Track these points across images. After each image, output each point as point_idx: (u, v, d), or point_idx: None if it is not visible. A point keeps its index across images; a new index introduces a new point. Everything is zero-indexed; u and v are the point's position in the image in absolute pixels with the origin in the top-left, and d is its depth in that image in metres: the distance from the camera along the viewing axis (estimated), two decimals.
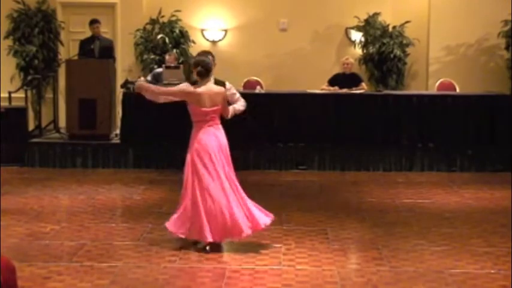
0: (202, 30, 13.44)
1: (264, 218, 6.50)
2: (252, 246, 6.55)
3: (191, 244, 6.47)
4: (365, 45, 12.99)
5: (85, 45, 11.60)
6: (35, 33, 12.67)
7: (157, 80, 11.25)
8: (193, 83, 6.54)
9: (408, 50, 12.96)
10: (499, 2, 12.66)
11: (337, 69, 12.32)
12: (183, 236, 6.44)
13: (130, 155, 10.85)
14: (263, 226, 6.49)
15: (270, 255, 6.29)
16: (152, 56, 12.70)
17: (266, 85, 12.41)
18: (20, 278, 4.48)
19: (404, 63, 12.98)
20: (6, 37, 12.69)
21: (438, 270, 5.91)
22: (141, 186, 9.50)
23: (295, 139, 10.86)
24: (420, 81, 13.25)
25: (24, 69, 12.65)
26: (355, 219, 7.71)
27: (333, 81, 11.57)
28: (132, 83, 11.10)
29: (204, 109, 6.44)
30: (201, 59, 6.64)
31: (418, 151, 10.85)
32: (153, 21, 12.98)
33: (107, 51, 11.61)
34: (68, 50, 13.13)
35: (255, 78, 12.70)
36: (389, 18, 13.07)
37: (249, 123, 10.07)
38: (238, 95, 7.12)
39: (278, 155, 10.86)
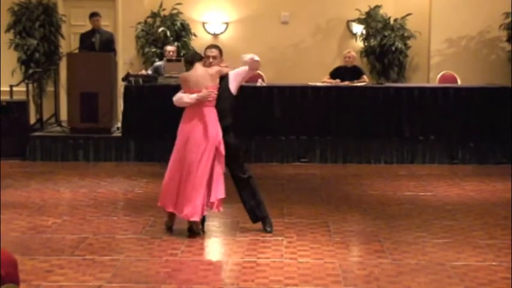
0: (203, 23, 13.42)
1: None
2: (254, 239, 6.57)
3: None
4: (366, 38, 12.96)
5: (85, 39, 11.57)
6: (36, 26, 12.65)
7: (157, 73, 11.25)
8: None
9: (410, 42, 12.94)
10: None
11: (338, 62, 12.30)
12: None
13: (132, 148, 10.85)
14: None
15: (271, 248, 6.30)
16: (153, 49, 12.68)
17: (268, 78, 12.37)
18: (21, 272, 4.49)
19: (406, 56, 12.96)
20: (7, 30, 12.67)
21: (440, 262, 5.92)
22: (143, 179, 9.50)
23: (297, 132, 10.86)
24: (422, 73, 13.23)
25: (25, 62, 12.64)
26: (357, 212, 7.72)
27: (334, 74, 11.55)
28: (133, 76, 11.16)
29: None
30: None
31: (420, 144, 10.84)
32: (154, 14, 12.96)
33: (108, 44, 11.59)
34: (68, 43, 13.13)
35: (257, 71, 12.65)
36: (390, 10, 13.05)
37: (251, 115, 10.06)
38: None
39: (280, 148, 10.86)
